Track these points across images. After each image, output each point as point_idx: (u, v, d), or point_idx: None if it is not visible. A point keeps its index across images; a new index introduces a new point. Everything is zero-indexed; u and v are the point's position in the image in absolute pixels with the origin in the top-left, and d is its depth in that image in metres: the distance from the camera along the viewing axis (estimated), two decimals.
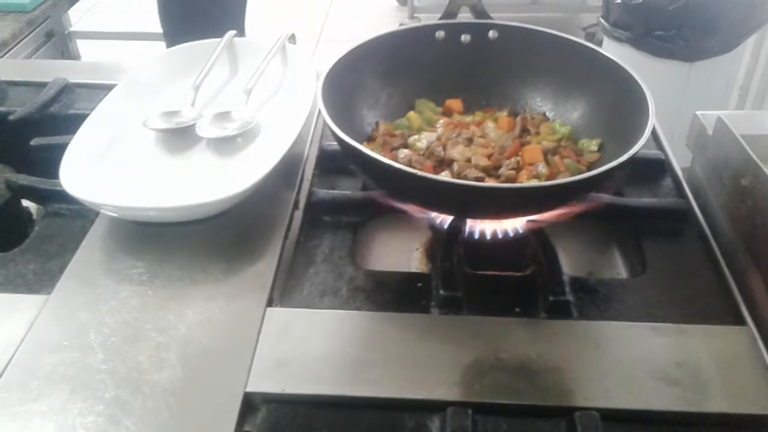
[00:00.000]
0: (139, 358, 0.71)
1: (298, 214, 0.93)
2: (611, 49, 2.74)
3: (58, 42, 1.86)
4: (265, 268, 0.82)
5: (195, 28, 1.33)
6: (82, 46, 3.72)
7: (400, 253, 0.96)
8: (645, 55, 2.58)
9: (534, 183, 0.79)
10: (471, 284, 0.81)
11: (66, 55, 1.92)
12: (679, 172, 1.00)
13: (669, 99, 2.48)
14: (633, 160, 0.79)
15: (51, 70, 1.24)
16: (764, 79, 2.84)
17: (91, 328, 0.74)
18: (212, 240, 0.86)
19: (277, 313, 0.77)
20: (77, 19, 3.70)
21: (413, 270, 0.92)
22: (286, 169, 0.96)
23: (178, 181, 0.93)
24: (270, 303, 0.78)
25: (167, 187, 0.91)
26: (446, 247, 0.83)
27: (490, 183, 0.86)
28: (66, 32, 3.54)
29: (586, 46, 0.99)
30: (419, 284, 0.82)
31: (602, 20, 2.71)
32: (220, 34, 1.18)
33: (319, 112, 0.86)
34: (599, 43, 3.92)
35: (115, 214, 0.86)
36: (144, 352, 0.71)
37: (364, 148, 0.78)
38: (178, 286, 0.79)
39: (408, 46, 1.04)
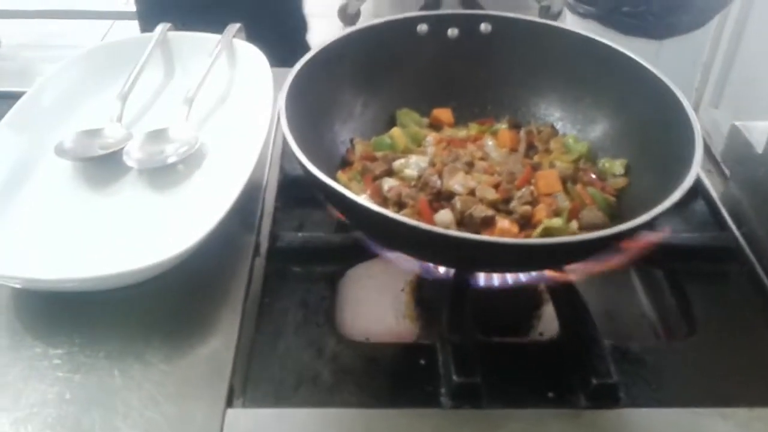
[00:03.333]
0: None
1: (260, 262, 0.74)
2: (575, 26, 2.59)
3: None
4: (221, 348, 0.63)
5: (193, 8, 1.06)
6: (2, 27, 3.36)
7: (384, 301, 0.78)
8: (612, 32, 2.44)
9: (565, 238, 0.61)
10: (486, 357, 0.64)
11: None
12: (714, 194, 0.85)
13: None
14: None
15: None
16: (728, 54, 2.74)
17: None
18: (152, 311, 0.66)
19: (240, 417, 0.58)
20: None
21: (403, 316, 0.75)
22: (242, 203, 0.77)
23: (102, 233, 0.72)
24: (230, 400, 0.60)
25: (89, 243, 0.70)
26: (453, 311, 0.66)
27: (507, 237, 0.67)
28: None
29: (600, 42, 0.82)
30: (422, 361, 0.64)
31: None
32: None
33: (278, 127, 0.68)
34: (554, 18, 3.78)
35: (18, 286, 0.66)
36: None
37: (344, 190, 0.60)
38: (107, 383, 0.59)
39: (384, 44, 0.84)
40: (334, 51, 0.80)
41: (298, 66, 0.76)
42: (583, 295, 0.76)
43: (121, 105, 0.85)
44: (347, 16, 3.25)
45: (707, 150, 1.69)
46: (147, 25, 1.31)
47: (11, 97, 0.85)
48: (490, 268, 0.66)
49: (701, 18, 2.46)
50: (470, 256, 0.61)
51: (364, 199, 0.59)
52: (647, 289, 0.80)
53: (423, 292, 0.76)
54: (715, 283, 0.73)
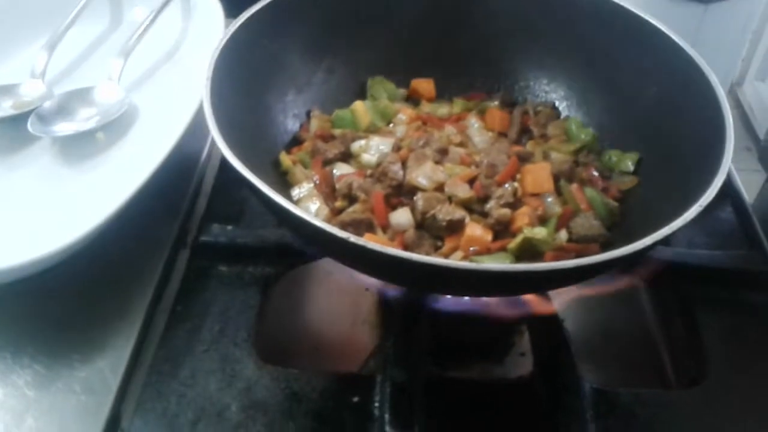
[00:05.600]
0: None
1: (184, 257, 0.62)
2: None
3: None
4: (106, 370, 0.51)
5: None
6: None
7: (334, 306, 0.65)
8: None
9: (532, 266, 0.46)
10: (436, 398, 0.52)
11: None
12: (745, 195, 0.70)
13: None
14: None
15: None
16: None
17: None
18: (31, 312, 0.55)
19: None
20: None
21: (362, 321, 0.63)
22: (170, 181, 0.64)
23: None
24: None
25: None
26: (401, 337, 0.53)
27: (477, 246, 0.54)
28: None
29: (621, 7, 0.66)
30: (355, 398, 0.52)
31: None
32: None
33: None
34: None
35: None
36: None
37: (266, 189, 0.47)
38: None
39: None
40: (292, 1, 0.66)
41: (241, 19, 0.62)
42: (580, 309, 0.63)
43: (47, 57, 0.73)
44: None
45: (747, 126, 1.49)
46: None
47: None
48: (445, 291, 0.53)
49: None
50: (416, 277, 0.48)
51: (278, 196, 0.46)
52: (656, 308, 0.66)
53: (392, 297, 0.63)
54: (736, 314, 0.59)
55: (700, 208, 0.48)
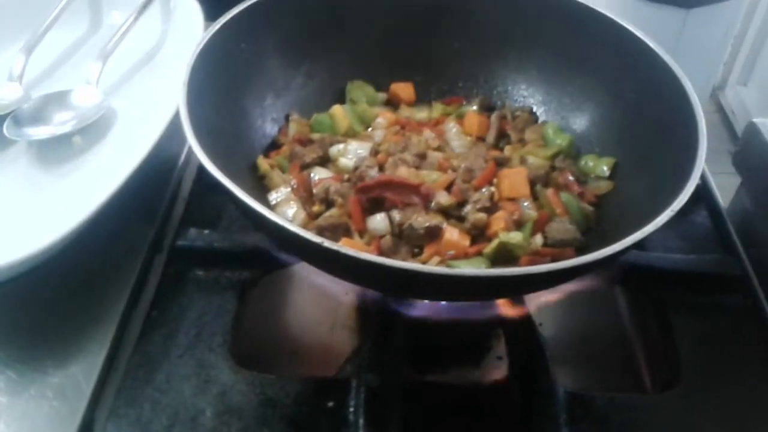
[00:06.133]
0: None
1: (161, 261, 0.61)
2: None
3: None
4: (79, 376, 0.51)
5: None
6: None
7: (312, 311, 0.65)
8: None
9: (506, 270, 0.46)
10: (412, 403, 0.52)
11: None
12: (720, 200, 0.70)
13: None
14: None
15: None
16: (762, 28, 2.54)
17: None
18: (8, 316, 0.54)
19: None
20: None
21: (342, 326, 0.63)
22: (150, 183, 0.64)
23: None
24: None
25: None
26: (376, 342, 0.53)
27: (455, 250, 0.55)
28: None
29: (600, 14, 0.67)
30: (330, 403, 0.52)
31: None
32: None
33: None
34: None
35: None
36: None
37: (240, 193, 0.47)
38: None
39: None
40: (271, 5, 0.66)
41: (219, 22, 0.62)
42: (556, 313, 0.64)
43: (25, 60, 0.72)
44: None
45: (730, 130, 1.50)
46: None
47: None
48: (421, 296, 0.53)
49: None
50: (391, 283, 0.48)
51: (252, 201, 0.46)
52: (631, 312, 0.66)
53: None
54: (710, 318, 0.60)
55: (672, 213, 0.48)
